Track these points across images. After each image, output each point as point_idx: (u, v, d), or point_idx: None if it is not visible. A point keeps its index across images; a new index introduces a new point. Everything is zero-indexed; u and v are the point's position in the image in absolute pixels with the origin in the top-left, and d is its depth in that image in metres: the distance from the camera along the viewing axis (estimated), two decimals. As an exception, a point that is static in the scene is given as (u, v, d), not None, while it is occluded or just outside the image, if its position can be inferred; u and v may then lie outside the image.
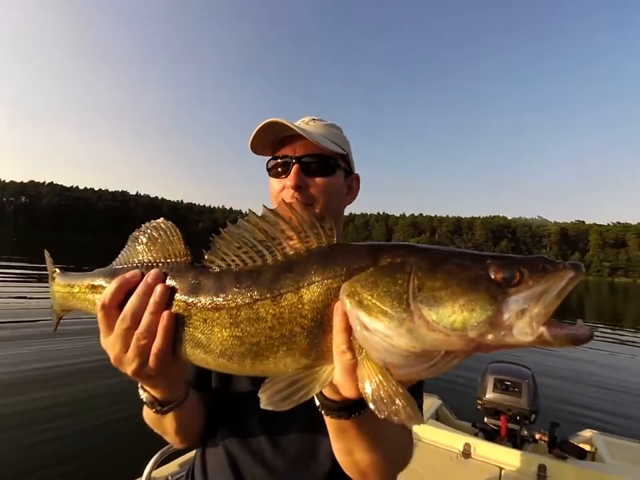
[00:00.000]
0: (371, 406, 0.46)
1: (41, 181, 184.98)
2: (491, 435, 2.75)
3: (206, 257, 0.62)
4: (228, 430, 0.94)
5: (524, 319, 0.41)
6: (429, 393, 3.56)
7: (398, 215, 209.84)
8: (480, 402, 2.99)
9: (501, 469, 2.19)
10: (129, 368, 0.63)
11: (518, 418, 2.86)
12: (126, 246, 0.71)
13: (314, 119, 1.05)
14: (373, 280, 0.47)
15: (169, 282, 0.61)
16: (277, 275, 0.53)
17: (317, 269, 0.51)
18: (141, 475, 1.53)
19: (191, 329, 0.58)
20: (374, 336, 0.45)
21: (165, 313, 0.59)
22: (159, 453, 1.55)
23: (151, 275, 0.61)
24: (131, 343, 0.61)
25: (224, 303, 0.55)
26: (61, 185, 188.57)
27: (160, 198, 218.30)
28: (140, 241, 0.68)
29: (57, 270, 0.83)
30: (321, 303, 0.50)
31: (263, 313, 0.52)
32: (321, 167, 0.98)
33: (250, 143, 1.01)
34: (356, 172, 1.13)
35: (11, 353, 5.84)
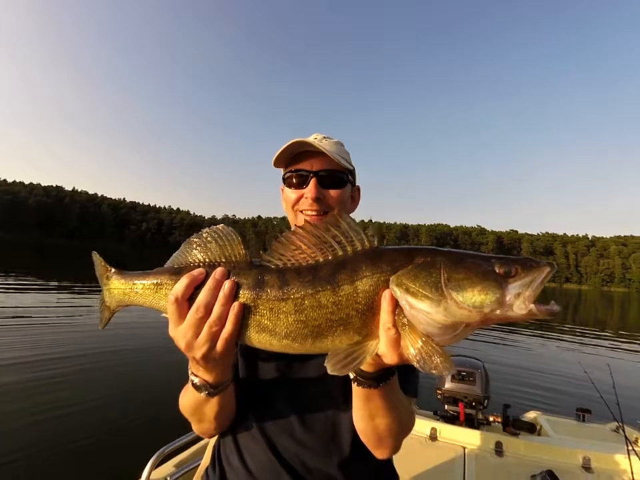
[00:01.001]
0: (416, 364, 0.60)
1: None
2: (451, 421, 3.02)
3: (263, 257, 0.72)
4: (260, 413, 1.03)
5: (520, 299, 0.59)
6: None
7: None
8: (439, 392, 3.27)
9: (464, 447, 2.44)
10: (199, 352, 0.73)
11: (474, 404, 3.17)
12: (183, 247, 0.79)
13: (325, 137, 1.15)
14: (414, 274, 0.62)
15: (234, 278, 0.71)
16: (334, 271, 0.66)
17: (367, 266, 0.65)
18: (139, 477, 1.54)
19: (257, 317, 0.69)
20: (419, 313, 0.60)
21: (236, 304, 0.69)
22: (156, 454, 1.57)
23: (218, 272, 0.71)
24: (202, 330, 0.70)
25: (290, 294, 0.67)
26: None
27: (100, 195, 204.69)
28: (201, 243, 0.77)
29: (113, 269, 0.88)
30: (372, 292, 0.64)
31: (325, 301, 0.65)
32: (335, 180, 1.11)
33: (275, 158, 1.12)
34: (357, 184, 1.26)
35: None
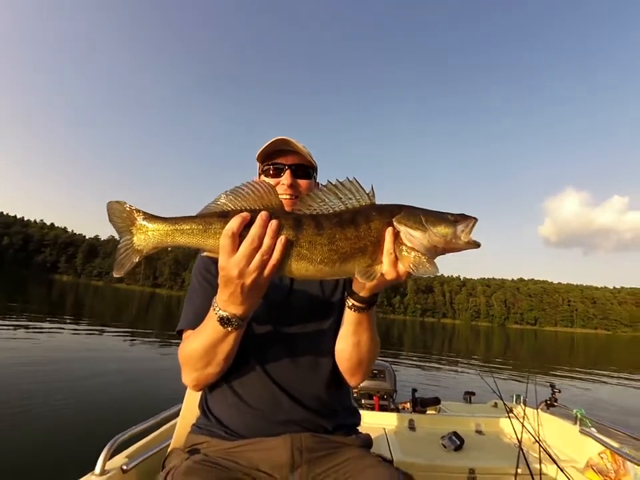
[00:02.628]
0: (414, 271, 0.88)
1: None
2: (368, 410, 3.37)
3: (294, 207, 0.94)
4: (258, 353, 1.23)
5: (464, 233, 0.89)
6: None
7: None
8: (356, 389, 3.64)
9: (384, 428, 2.77)
10: (250, 278, 0.89)
11: (385, 396, 3.62)
12: (222, 197, 0.94)
13: (295, 140, 1.39)
14: (407, 217, 0.91)
15: (277, 219, 0.89)
16: (353, 216, 0.92)
17: (376, 212, 0.92)
18: (92, 469, 1.49)
19: (297, 249, 0.89)
20: (414, 239, 0.89)
21: (282, 237, 0.87)
22: (109, 443, 1.54)
23: (264, 214, 0.88)
24: (254, 259, 0.87)
25: (325, 230, 0.90)
26: None
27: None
28: (240, 194, 0.94)
29: (143, 212, 0.95)
30: (380, 229, 0.91)
31: (350, 235, 0.90)
32: (305, 172, 1.41)
33: (260, 151, 1.38)
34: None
35: None
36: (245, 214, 0.88)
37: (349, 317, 1.14)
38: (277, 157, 1.38)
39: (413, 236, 0.89)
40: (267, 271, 0.88)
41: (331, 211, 0.93)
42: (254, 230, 0.87)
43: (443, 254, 0.93)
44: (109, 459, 1.52)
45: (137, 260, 0.95)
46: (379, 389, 3.67)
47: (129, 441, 1.70)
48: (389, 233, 0.89)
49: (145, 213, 0.95)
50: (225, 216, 0.90)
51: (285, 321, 1.27)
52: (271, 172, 1.38)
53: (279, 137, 1.34)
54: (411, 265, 0.89)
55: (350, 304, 1.10)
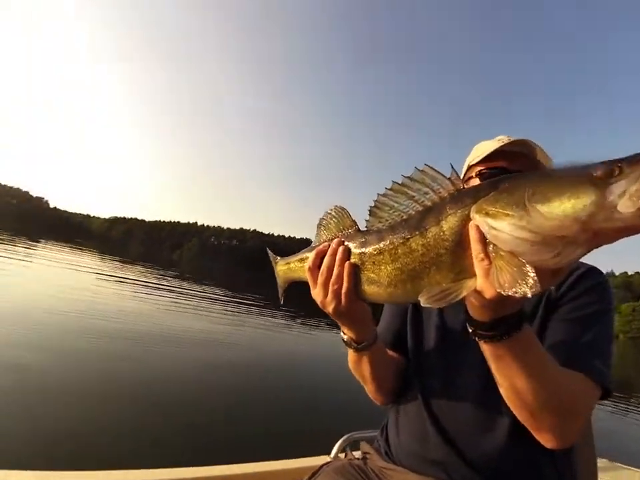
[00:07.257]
0: (498, 288, 0.56)
1: (248, 228, 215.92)
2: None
3: (368, 224, 0.83)
4: (421, 383, 1.12)
5: (625, 196, 0.49)
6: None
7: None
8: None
9: None
10: (329, 307, 0.89)
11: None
12: (316, 231, 0.99)
13: (508, 137, 1.13)
14: (495, 198, 0.60)
15: (346, 244, 0.87)
16: (422, 217, 0.72)
17: (451, 205, 0.67)
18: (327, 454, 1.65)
19: (365, 272, 0.81)
20: (501, 232, 0.57)
21: (347, 263, 0.83)
22: (343, 437, 1.64)
23: (335, 242, 0.88)
24: (328, 289, 0.87)
25: (385, 247, 0.76)
26: (261, 232, 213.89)
27: None
28: (322, 225, 0.96)
29: (278, 258, 1.15)
30: (457, 227, 0.65)
31: (415, 246, 0.71)
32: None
33: (480, 153, 1.13)
34: None
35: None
36: (322, 245, 0.91)
37: (482, 349, 0.77)
38: (497, 158, 1.11)
39: (497, 229, 0.58)
40: (343, 299, 0.86)
41: (404, 217, 0.76)
42: (325, 262, 0.87)
43: (597, 241, 0.54)
44: (340, 452, 1.63)
45: (282, 292, 1.16)
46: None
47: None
48: (472, 228, 0.63)
49: (277, 258, 1.16)
50: (312, 249, 0.94)
51: (455, 349, 1.10)
52: (488, 176, 1.11)
53: (521, 139, 1.09)
54: (497, 278, 0.58)
55: (470, 331, 0.76)
